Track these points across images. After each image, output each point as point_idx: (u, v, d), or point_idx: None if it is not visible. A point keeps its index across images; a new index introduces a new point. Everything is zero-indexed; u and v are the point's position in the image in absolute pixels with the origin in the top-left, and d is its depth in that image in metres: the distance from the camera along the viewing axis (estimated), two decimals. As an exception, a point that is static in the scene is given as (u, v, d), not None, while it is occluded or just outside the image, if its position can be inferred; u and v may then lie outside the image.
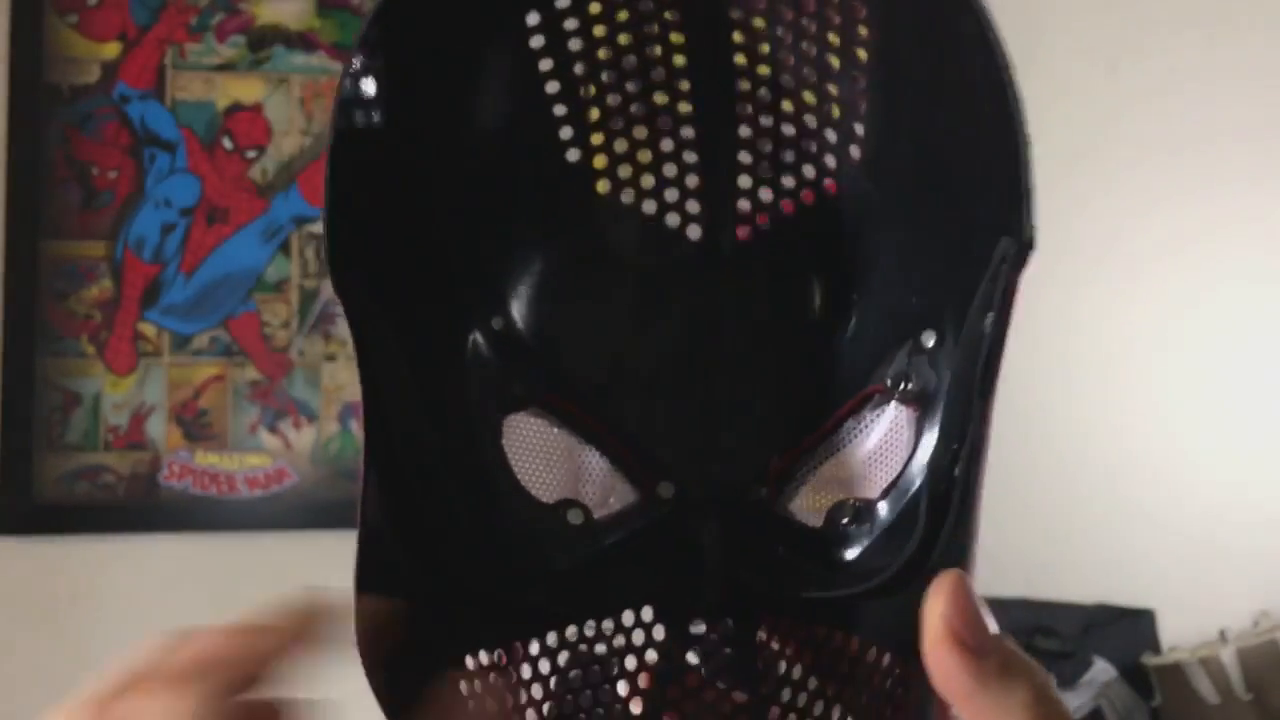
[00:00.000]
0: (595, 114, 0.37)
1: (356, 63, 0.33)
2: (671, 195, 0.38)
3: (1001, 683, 0.27)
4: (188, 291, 1.29)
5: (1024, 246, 0.30)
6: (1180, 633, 1.35)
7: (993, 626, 0.28)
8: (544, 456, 0.38)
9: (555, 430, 0.38)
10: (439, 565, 0.34)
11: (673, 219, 0.38)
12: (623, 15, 0.35)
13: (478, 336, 0.37)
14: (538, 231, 0.38)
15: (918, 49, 0.34)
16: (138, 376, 1.28)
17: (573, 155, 0.37)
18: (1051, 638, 1.29)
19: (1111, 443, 1.42)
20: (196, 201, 1.30)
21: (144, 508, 1.27)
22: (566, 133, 0.37)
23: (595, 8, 0.35)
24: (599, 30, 0.35)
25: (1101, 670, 1.30)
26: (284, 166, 1.31)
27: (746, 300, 0.38)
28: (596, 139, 0.37)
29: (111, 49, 1.30)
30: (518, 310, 0.38)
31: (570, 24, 0.35)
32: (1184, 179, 1.44)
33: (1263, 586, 1.39)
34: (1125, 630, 1.33)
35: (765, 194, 0.37)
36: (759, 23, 0.35)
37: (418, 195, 0.36)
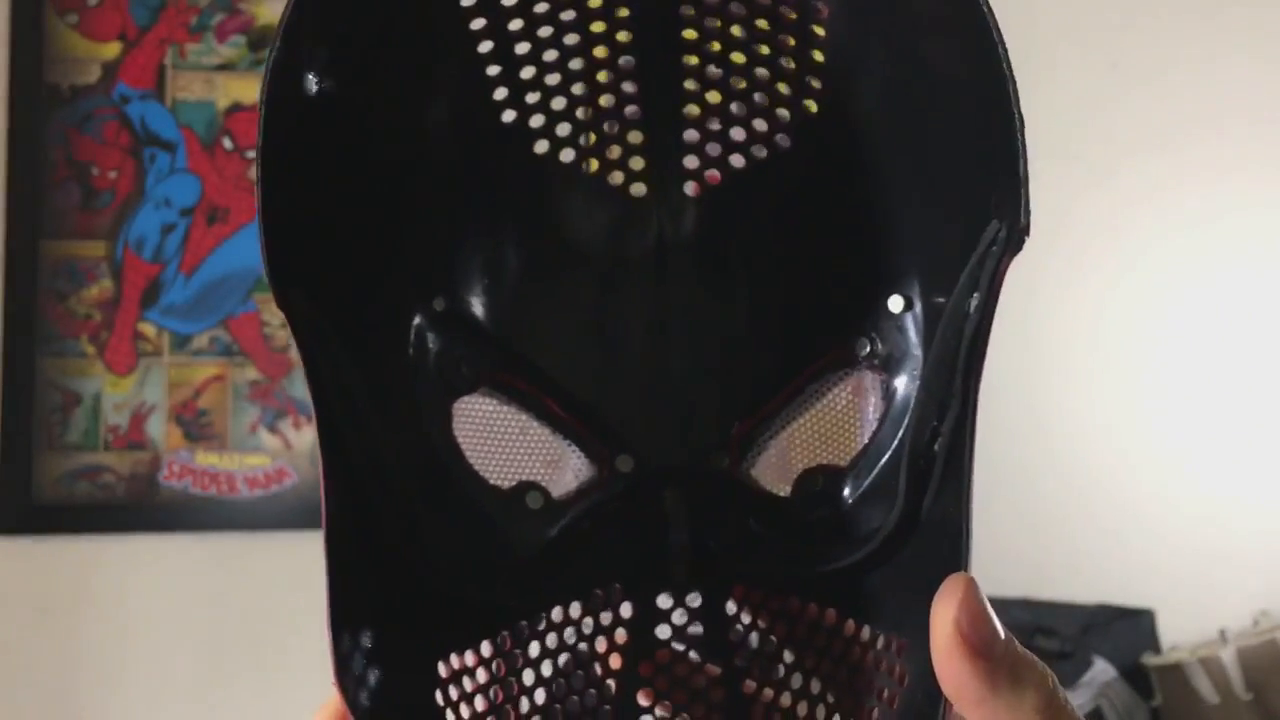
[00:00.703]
0: (531, 72, 0.35)
1: (280, 55, 0.31)
2: (614, 152, 0.36)
3: (1013, 688, 0.27)
4: (188, 291, 1.29)
5: (1019, 233, 0.29)
6: (1180, 633, 1.35)
7: (1002, 630, 0.27)
8: (498, 440, 0.37)
9: (507, 410, 0.37)
10: (402, 567, 0.33)
11: (616, 177, 0.36)
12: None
13: (420, 320, 0.36)
14: (475, 200, 0.36)
15: (890, 12, 0.33)
16: (138, 376, 1.28)
17: (508, 116, 0.35)
18: (1051, 638, 1.29)
19: (1111, 443, 1.42)
20: (196, 201, 1.30)
21: (144, 508, 1.27)
22: (501, 93, 0.35)
23: None
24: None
25: (1101, 670, 1.30)
26: (284, 166, 1.31)
27: (700, 261, 0.37)
28: (533, 98, 0.35)
29: (111, 49, 1.30)
30: (459, 286, 0.36)
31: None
32: (1185, 177, 1.44)
33: (1263, 586, 1.39)
34: (1125, 630, 1.33)
35: (714, 149, 0.36)
36: None
37: (350, 184, 0.34)
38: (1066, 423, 1.41)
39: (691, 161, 0.36)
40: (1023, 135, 0.29)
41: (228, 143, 1.31)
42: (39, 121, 1.28)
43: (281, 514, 1.29)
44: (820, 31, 0.34)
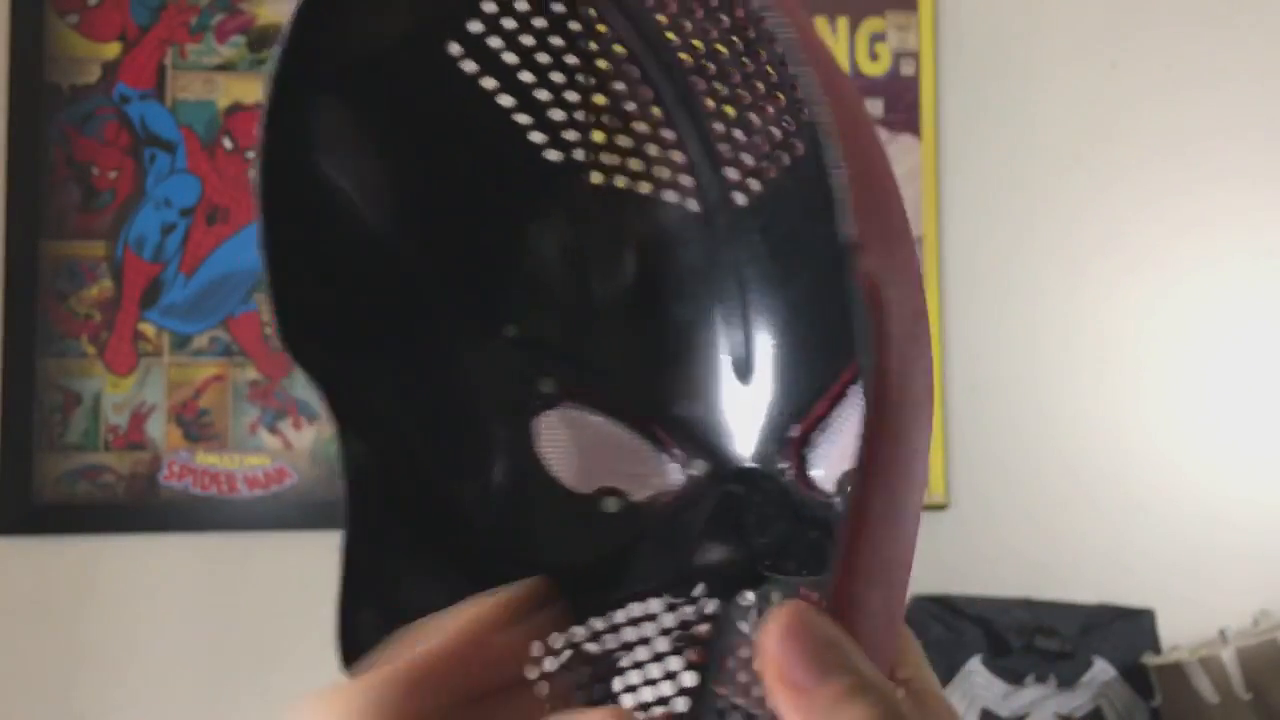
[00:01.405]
0: (559, 115, 0.37)
1: (269, 136, 0.32)
2: (663, 173, 0.38)
3: (836, 713, 0.26)
4: (188, 291, 1.30)
5: (842, 250, 0.29)
6: (1180, 633, 1.35)
7: (837, 656, 0.26)
8: (579, 448, 0.38)
9: (588, 418, 0.38)
10: (466, 579, 0.34)
11: (670, 196, 0.38)
12: (540, 22, 0.36)
13: (494, 349, 0.38)
14: (539, 235, 0.38)
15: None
16: (138, 376, 1.28)
17: (553, 156, 0.37)
18: (1051, 638, 1.29)
19: (1111, 442, 1.42)
20: (196, 201, 1.30)
21: (144, 508, 1.27)
22: (538, 138, 0.37)
23: (510, 23, 0.35)
24: (527, 40, 0.36)
25: (1101, 670, 1.30)
26: (284, 166, 1.31)
27: (755, 268, 0.38)
28: (571, 136, 0.37)
29: (111, 49, 1.30)
30: (530, 315, 0.38)
31: (495, 42, 0.36)
32: (1185, 177, 1.44)
33: (1263, 586, 1.39)
34: (1125, 630, 1.33)
35: (748, 159, 0.37)
36: (668, 9, 0.36)
37: (385, 244, 0.36)
38: (1067, 423, 1.41)
39: (733, 174, 0.37)
40: (834, 146, 0.28)
41: (228, 143, 1.31)
42: (39, 121, 1.28)
43: (281, 514, 1.29)
44: (773, 47, 0.35)
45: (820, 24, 1.39)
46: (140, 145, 1.30)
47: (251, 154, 1.31)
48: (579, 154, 0.38)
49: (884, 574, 0.28)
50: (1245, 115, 1.46)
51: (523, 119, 0.37)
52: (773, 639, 0.26)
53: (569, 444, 0.38)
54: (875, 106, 1.39)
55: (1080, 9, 1.45)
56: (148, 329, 1.29)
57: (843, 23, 1.39)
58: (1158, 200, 1.44)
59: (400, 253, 0.36)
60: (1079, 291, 1.42)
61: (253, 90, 1.32)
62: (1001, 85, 1.43)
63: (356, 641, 0.32)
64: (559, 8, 0.35)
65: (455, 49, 0.35)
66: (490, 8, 0.35)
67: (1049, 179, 1.43)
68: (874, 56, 1.40)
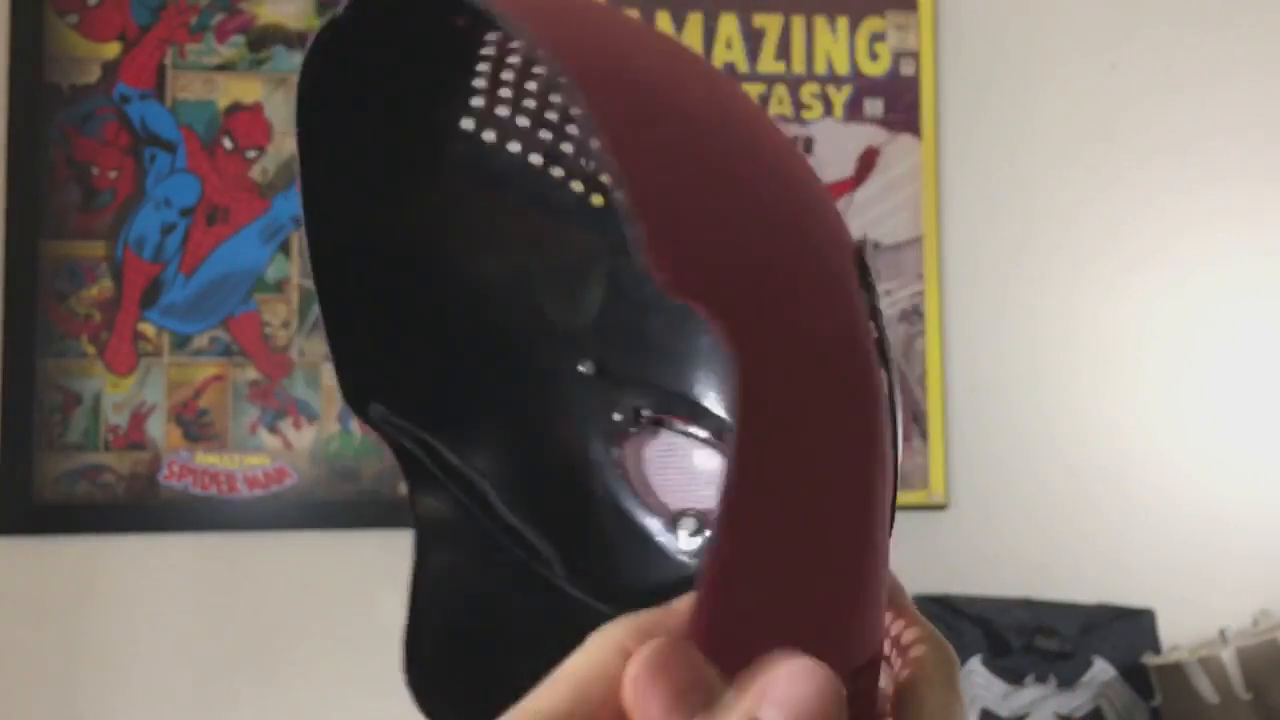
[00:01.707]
0: (591, 164, 0.38)
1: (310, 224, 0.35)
2: None
3: None
4: (188, 291, 1.30)
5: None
6: (1180, 632, 1.35)
7: (698, 698, 0.24)
8: (660, 470, 0.40)
9: (670, 441, 0.40)
10: (541, 603, 0.36)
11: None
12: (531, 85, 0.37)
13: (572, 384, 0.39)
14: (601, 277, 0.40)
15: None
16: (138, 376, 1.28)
17: (597, 201, 0.39)
18: (1051, 638, 1.29)
19: (1111, 442, 1.42)
20: (196, 201, 1.30)
21: (144, 508, 1.27)
22: (578, 187, 0.39)
23: (505, 92, 0.37)
24: (529, 103, 0.37)
25: (1101, 670, 1.30)
26: (284, 166, 1.31)
27: None
28: (606, 180, 0.38)
29: (111, 49, 1.30)
30: (605, 348, 0.40)
31: (502, 111, 0.37)
32: (1185, 177, 1.44)
33: (1263, 586, 1.39)
34: (1125, 630, 1.33)
35: None
36: None
37: (452, 306, 0.38)
38: (1068, 423, 1.41)
39: None
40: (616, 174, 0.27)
41: (227, 143, 1.31)
42: (39, 121, 1.28)
43: (281, 514, 1.29)
44: None
45: (820, 24, 1.39)
46: (140, 145, 1.30)
47: (251, 154, 1.31)
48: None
49: (780, 609, 0.26)
50: (1245, 115, 1.46)
51: (557, 172, 0.38)
52: (629, 680, 0.24)
53: (651, 468, 0.40)
54: (875, 106, 1.39)
55: (1080, 9, 1.45)
56: (148, 329, 1.29)
57: (843, 23, 1.39)
58: (1158, 200, 1.44)
59: (470, 311, 0.39)
60: (1079, 291, 1.42)
61: (252, 90, 1.32)
62: (1001, 85, 1.43)
63: (423, 654, 0.33)
64: (539, 67, 0.36)
65: (468, 124, 0.37)
66: (481, 83, 0.37)
67: (1049, 179, 1.43)
68: (874, 56, 1.40)
